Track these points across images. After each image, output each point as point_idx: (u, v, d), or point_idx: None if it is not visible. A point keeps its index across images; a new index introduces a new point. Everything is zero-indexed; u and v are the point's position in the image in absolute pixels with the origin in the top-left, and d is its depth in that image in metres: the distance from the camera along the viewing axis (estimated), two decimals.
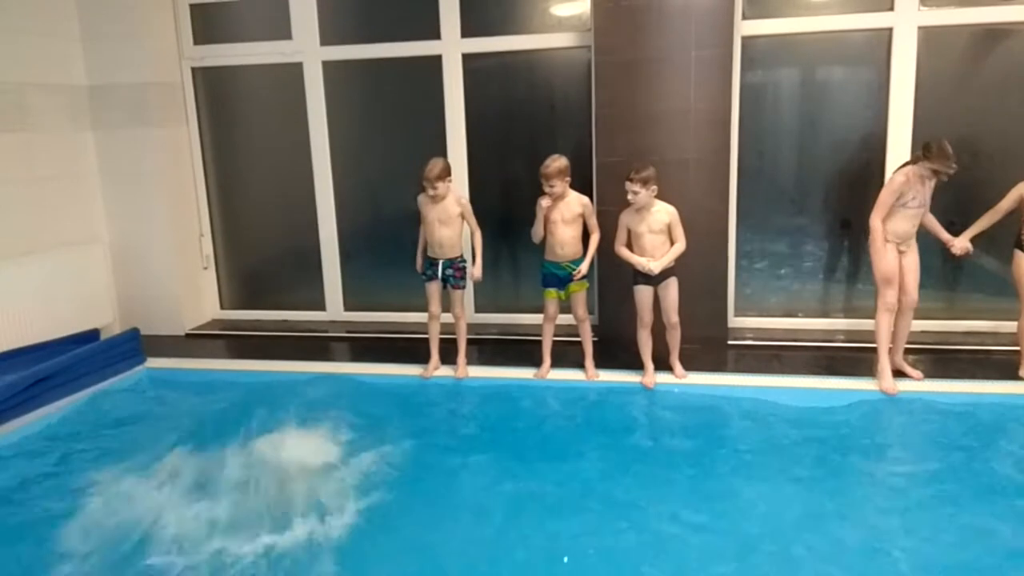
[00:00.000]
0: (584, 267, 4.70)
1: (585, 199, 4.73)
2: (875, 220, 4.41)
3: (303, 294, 6.26)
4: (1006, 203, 4.44)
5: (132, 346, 5.32)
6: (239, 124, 6.25)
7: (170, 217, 5.97)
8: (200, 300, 6.30)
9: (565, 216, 4.65)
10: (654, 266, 4.48)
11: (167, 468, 3.62)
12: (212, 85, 6.12)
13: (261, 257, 6.47)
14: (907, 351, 4.76)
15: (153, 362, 5.36)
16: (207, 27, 5.99)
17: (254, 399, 4.57)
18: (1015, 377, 4.52)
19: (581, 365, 4.89)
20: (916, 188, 4.34)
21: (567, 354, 5.03)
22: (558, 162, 4.59)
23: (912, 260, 4.48)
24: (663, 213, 4.52)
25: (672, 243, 4.56)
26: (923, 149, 4.28)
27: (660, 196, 4.54)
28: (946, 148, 4.20)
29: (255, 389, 4.81)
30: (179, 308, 6.06)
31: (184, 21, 5.95)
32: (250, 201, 6.34)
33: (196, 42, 5.99)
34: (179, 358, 5.48)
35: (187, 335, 6.07)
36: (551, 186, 4.57)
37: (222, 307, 6.43)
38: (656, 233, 4.53)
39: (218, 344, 5.94)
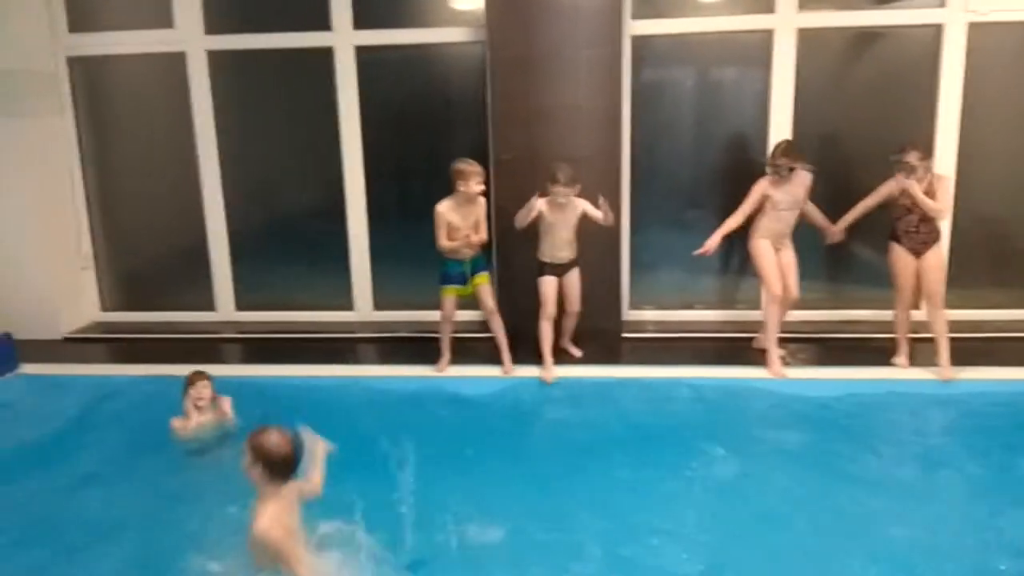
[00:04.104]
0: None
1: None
2: (730, 222, 4.69)
3: (192, 294, 6.02)
4: (876, 196, 4.65)
5: (4, 351, 5.00)
6: (120, 116, 5.96)
7: (44, 214, 5.63)
8: (79, 302, 5.95)
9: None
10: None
11: None
12: (90, 75, 5.80)
13: (146, 256, 6.19)
14: (792, 340, 5.02)
15: (28, 368, 5.06)
16: (83, 14, 5.66)
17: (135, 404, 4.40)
18: (888, 364, 4.74)
19: (496, 360, 4.80)
20: (780, 192, 4.62)
21: (475, 349, 4.99)
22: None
23: (789, 258, 4.78)
24: (577, 206, 4.67)
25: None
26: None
27: None
28: (778, 146, 4.63)
29: (140, 394, 4.60)
30: (55, 310, 5.72)
31: (58, 7, 5.60)
32: (133, 197, 6.04)
33: (72, 30, 5.66)
34: (57, 363, 5.19)
35: (65, 339, 5.74)
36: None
37: (104, 309, 6.10)
38: (571, 228, 4.68)
39: (99, 348, 5.66)
